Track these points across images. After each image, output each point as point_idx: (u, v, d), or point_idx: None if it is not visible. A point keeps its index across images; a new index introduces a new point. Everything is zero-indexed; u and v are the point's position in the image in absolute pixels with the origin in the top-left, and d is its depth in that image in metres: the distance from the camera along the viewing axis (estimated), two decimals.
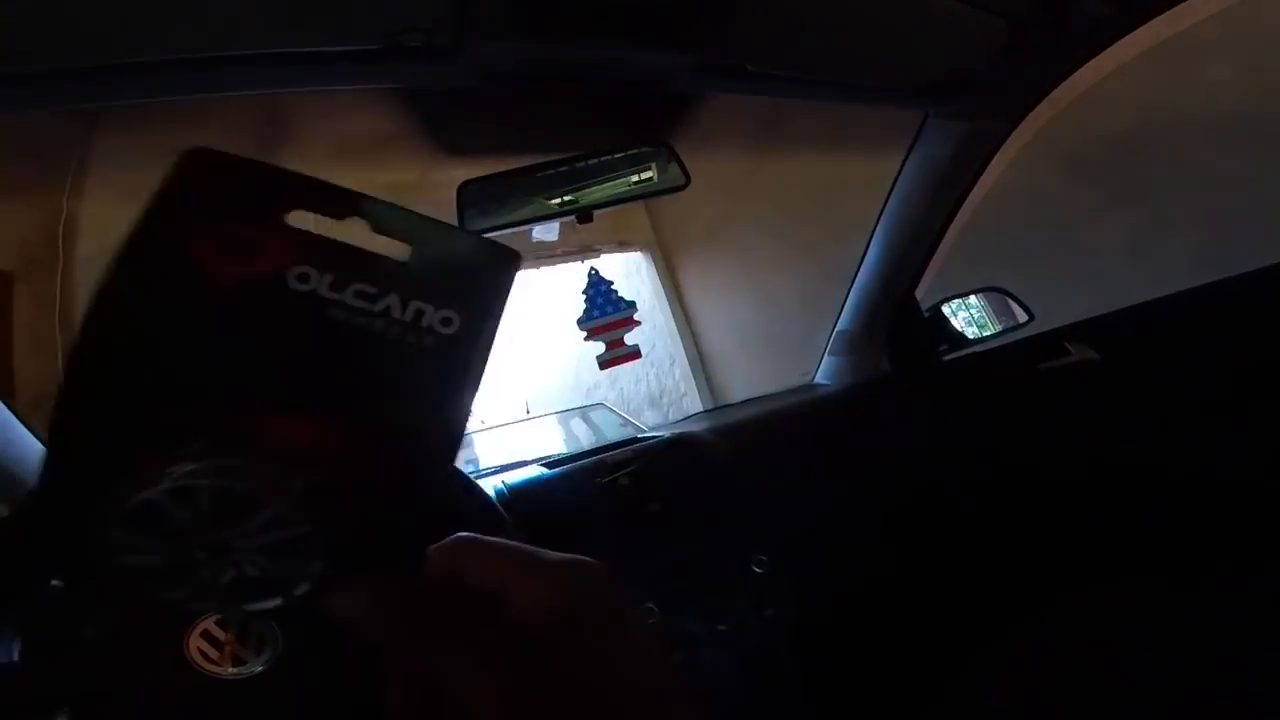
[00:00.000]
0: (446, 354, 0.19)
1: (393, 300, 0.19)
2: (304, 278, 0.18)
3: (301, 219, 0.18)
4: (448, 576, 0.23)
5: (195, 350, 0.17)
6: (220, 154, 0.19)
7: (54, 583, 0.52)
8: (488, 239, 0.21)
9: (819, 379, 1.42)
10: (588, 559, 0.24)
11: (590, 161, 0.83)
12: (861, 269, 1.27)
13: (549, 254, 4.10)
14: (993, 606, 1.18)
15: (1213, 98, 1.60)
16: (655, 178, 0.89)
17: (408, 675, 0.23)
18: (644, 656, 0.23)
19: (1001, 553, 1.17)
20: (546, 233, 0.86)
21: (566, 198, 0.84)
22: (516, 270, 0.21)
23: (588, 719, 0.21)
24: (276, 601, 0.19)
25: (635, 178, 0.87)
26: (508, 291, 0.20)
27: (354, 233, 0.18)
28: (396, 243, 0.19)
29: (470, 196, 0.79)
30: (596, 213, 0.85)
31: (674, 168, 0.85)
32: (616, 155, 0.84)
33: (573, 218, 0.81)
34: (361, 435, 0.19)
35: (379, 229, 0.19)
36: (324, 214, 0.19)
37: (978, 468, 1.19)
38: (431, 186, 3.47)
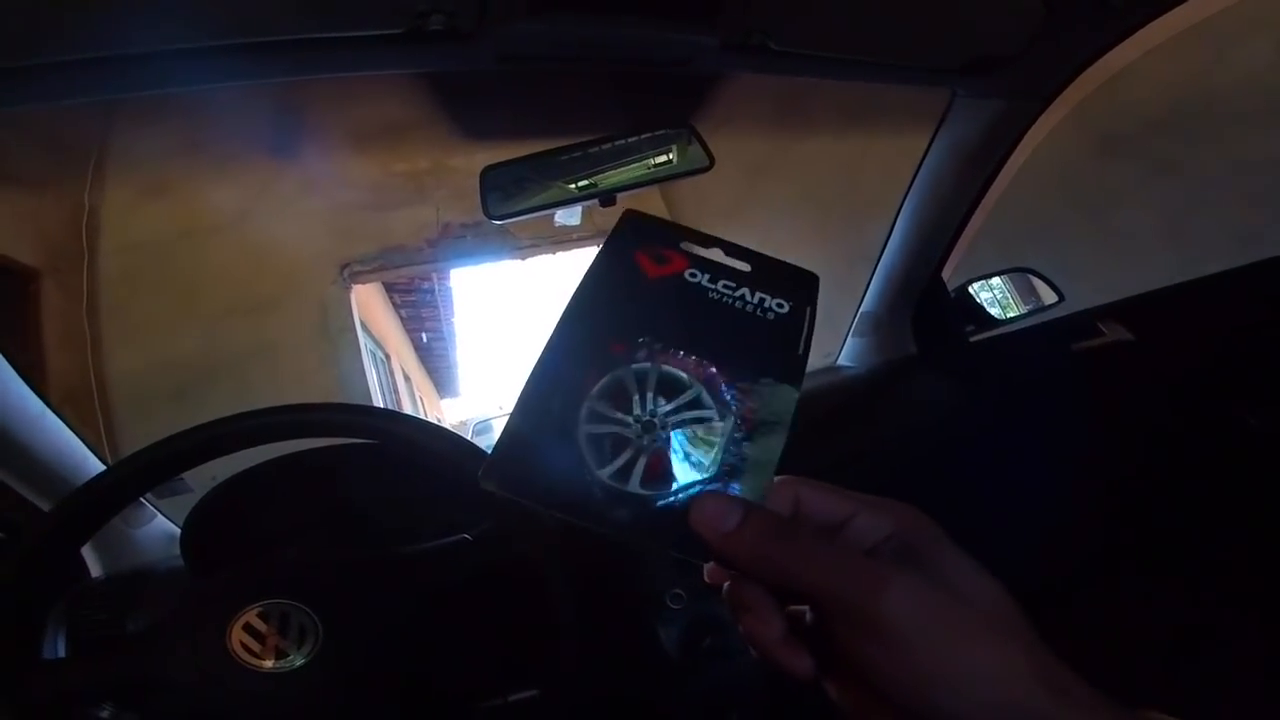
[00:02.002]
0: (785, 324, 0.30)
1: (745, 291, 0.30)
2: (694, 275, 0.30)
3: (688, 247, 0.31)
4: (790, 506, 0.30)
5: (639, 311, 0.29)
6: (642, 214, 0.32)
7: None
8: (797, 266, 0.32)
9: (842, 361, 1.41)
10: (907, 505, 0.30)
11: (612, 144, 0.82)
12: (887, 250, 1.25)
13: (565, 239, 4.09)
14: (1019, 595, 1.16)
15: (1251, 76, 1.54)
16: (676, 159, 0.88)
17: (756, 592, 0.28)
18: (966, 560, 0.28)
19: (1031, 538, 1.15)
20: (569, 217, 0.85)
21: (587, 181, 0.83)
22: (817, 284, 0.32)
23: (932, 604, 0.25)
24: (676, 494, 0.27)
25: (657, 160, 0.86)
26: (815, 294, 0.31)
27: (717, 255, 0.31)
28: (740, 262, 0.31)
29: (492, 181, 0.78)
30: (617, 196, 0.84)
31: (697, 149, 0.84)
32: (638, 138, 0.83)
33: (595, 201, 0.80)
34: (725, 370, 0.29)
35: (728, 253, 0.31)
36: (697, 244, 0.31)
37: (1009, 449, 1.17)
38: (448, 172, 3.47)
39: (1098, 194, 1.95)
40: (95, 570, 0.81)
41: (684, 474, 0.27)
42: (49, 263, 3.01)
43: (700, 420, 0.28)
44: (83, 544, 0.54)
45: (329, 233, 3.60)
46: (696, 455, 0.27)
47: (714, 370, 0.29)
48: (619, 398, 0.28)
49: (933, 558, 0.27)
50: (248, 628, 0.48)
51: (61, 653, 0.62)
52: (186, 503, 0.75)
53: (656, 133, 0.83)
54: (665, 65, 0.66)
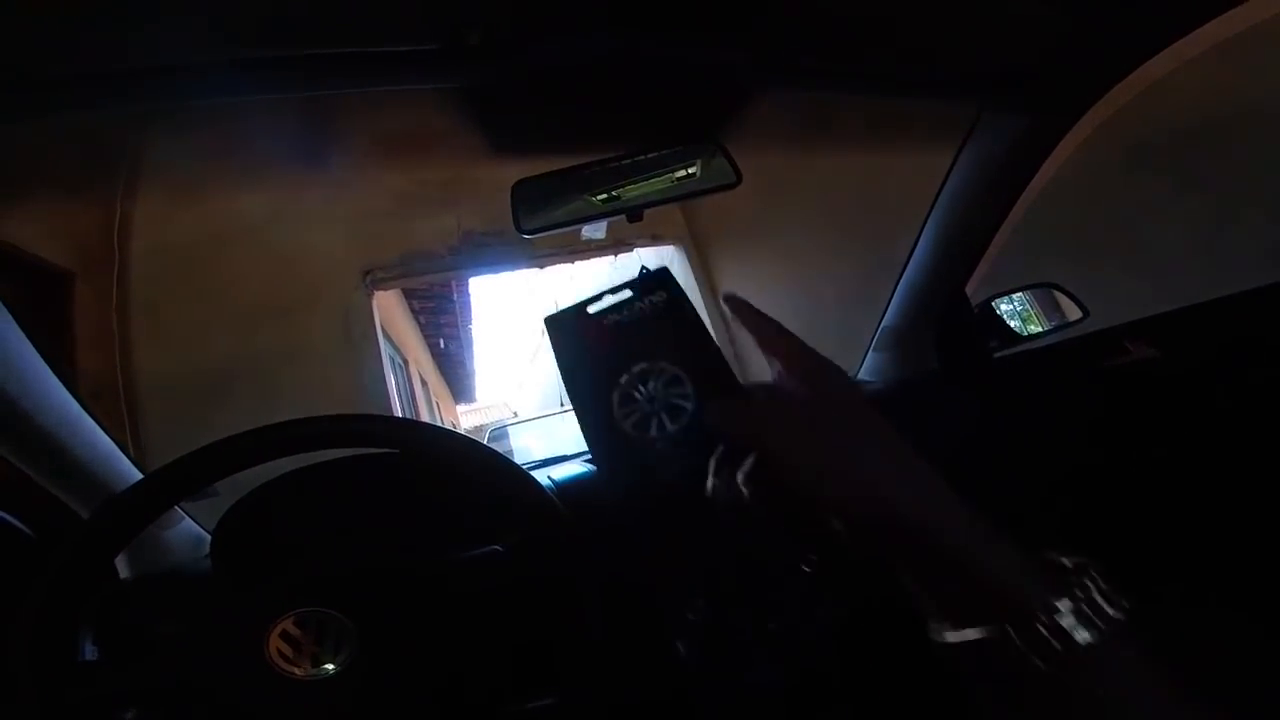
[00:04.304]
0: (670, 306, 0.46)
1: (639, 304, 0.46)
2: (613, 316, 0.48)
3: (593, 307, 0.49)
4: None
5: (606, 354, 0.46)
6: (556, 314, 0.47)
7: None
8: (647, 270, 0.47)
9: (863, 375, 1.40)
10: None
11: (640, 159, 0.82)
12: (910, 264, 1.24)
13: (583, 249, 4.11)
14: None
15: None
16: (701, 175, 0.88)
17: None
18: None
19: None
20: (595, 230, 0.86)
21: (615, 195, 0.83)
22: (667, 271, 0.47)
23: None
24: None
25: (683, 174, 0.87)
26: (669, 276, 0.47)
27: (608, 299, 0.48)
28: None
29: (522, 195, 0.79)
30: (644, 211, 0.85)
31: (723, 165, 0.84)
32: (665, 152, 0.84)
33: (623, 215, 0.81)
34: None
35: (611, 293, 0.48)
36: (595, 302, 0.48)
37: (1033, 468, 1.16)
38: (472, 182, 3.51)
39: (1126, 208, 1.92)
40: (124, 571, 0.82)
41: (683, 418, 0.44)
42: (82, 266, 3.08)
43: (680, 393, 0.44)
44: (120, 550, 0.55)
45: (353, 239, 3.65)
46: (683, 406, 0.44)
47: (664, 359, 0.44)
48: (631, 397, 0.44)
49: None
50: (284, 635, 0.49)
51: (90, 655, 0.63)
52: (213, 505, 0.75)
53: (683, 148, 0.83)
54: (699, 80, 0.67)
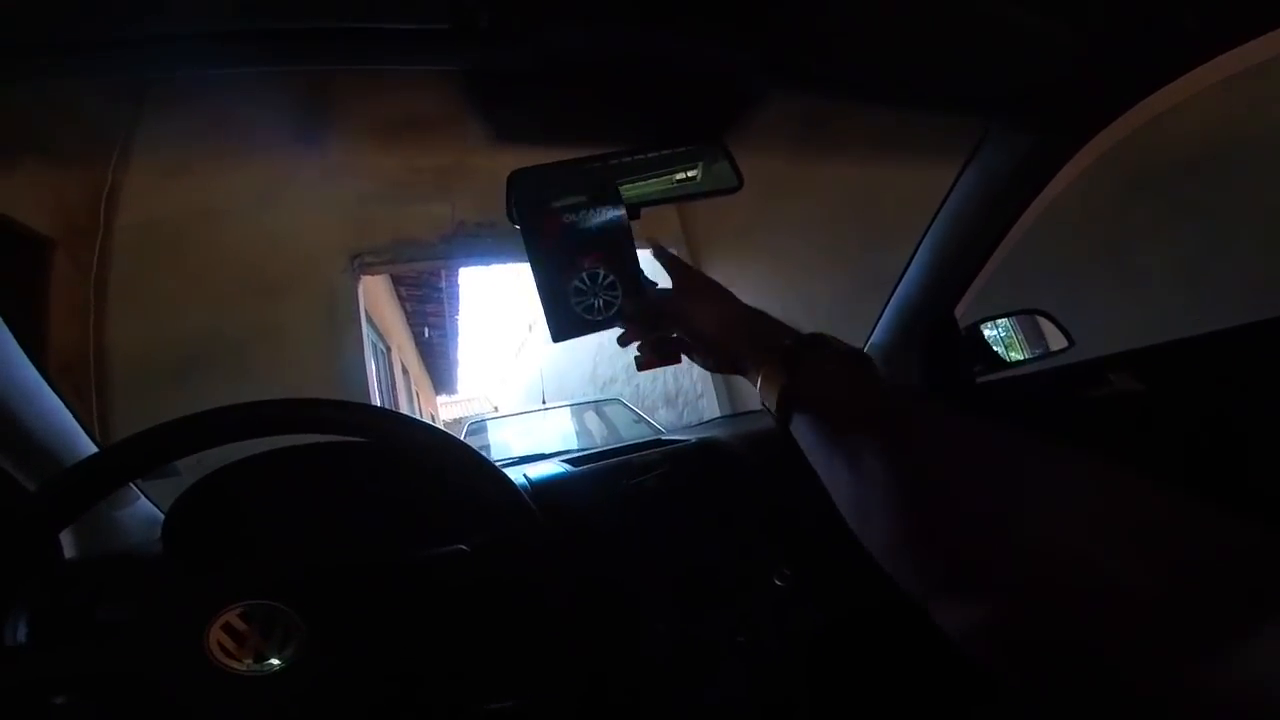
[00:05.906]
0: (617, 229, 0.68)
1: (583, 212, 0.66)
2: (567, 217, 0.66)
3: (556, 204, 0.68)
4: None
5: (568, 244, 0.65)
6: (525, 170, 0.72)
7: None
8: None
9: None
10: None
11: (641, 156, 0.81)
12: (902, 282, 1.23)
13: None
14: None
15: None
16: (701, 177, 0.86)
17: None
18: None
19: None
20: None
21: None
22: (618, 194, 0.69)
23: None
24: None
25: (683, 176, 0.85)
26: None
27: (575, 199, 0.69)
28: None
29: (519, 185, 0.77)
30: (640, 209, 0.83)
31: (725, 168, 0.82)
32: (669, 152, 0.82)
33: None
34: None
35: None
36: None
37: None
38: (469, 171, 3.47)
39: (1120, 237, 1.93)
40: (71, 551, 0.78)
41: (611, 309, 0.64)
42: (64, 235, 3.01)
43: (613, 294, 0.63)
44: (64, 528, 0.51)
45: (344, 222, 3.60)
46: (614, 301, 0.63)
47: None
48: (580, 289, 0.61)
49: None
50: (227, 627, 0.46)
51: (23, 638, 0.59)
52: (172, 485, 0.72)
53: (686, 148, 0.81)
54: (708, 80, 0.67)
